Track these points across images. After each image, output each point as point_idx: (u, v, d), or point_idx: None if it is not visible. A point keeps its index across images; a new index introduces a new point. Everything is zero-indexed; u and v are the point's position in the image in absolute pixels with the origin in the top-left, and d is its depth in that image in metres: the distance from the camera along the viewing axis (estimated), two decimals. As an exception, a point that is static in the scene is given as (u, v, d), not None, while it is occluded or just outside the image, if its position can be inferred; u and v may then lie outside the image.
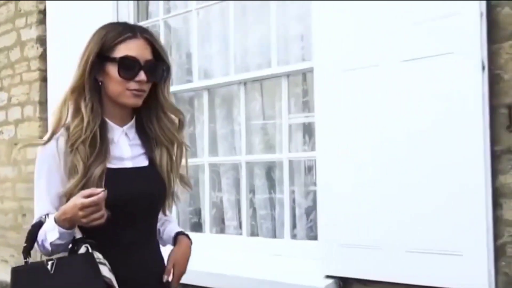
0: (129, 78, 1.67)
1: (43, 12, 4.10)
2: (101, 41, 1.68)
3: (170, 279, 1.79)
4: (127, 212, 1.67)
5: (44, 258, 1.61)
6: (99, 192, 1.50)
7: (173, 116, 1.81)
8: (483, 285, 2.12)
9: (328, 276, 2.58)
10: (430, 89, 2.23)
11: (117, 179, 1.67)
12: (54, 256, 1.60)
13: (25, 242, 1.62)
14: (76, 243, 1.61)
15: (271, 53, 3.01)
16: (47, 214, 1.62)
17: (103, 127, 1.71)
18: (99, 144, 1.66)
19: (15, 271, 1.60)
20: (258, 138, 3.19)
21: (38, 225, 1.62)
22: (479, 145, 2.12)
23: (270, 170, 3.17)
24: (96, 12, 3.59)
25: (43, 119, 4.08)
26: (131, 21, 3.60)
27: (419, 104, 2.27)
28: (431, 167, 2.23)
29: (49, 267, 1.56)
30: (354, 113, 2.47)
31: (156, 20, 3.58)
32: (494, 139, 2.13)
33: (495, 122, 2.13)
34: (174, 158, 1.81)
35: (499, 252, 2.13)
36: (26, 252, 1.61)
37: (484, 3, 2.13)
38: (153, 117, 1.78)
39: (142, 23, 3.61)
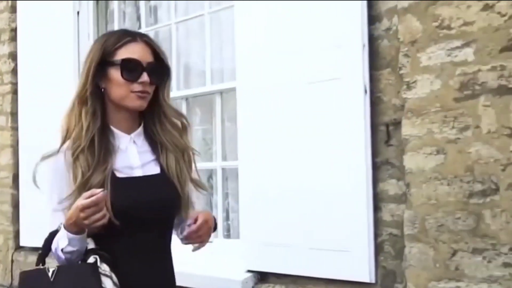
0: (133, 80, 1.65)
1: (14, 30, 4.45)
2: (101, 48, 1.68)
3: (195, 226, 1.70)
4: (138, 221, 1.65)
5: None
6: (98, 193, 1.53)
7: (176, 120, 1.79)
8: (365, 277, 2.47)
9: (248, 271, 2.92)
10: (324, 108, 2.58)
11: (126, 189, 1.65)
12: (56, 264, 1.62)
13: (41, 249, 1.66)
14: (88, 253, 1.61)
15: (206, 72, 3.38)
16: (63, 223, 1.62)
17: (107, 135, 1.69)
18: (97, 152, 1.64)
19: (22, 274, 1.66)
20: (198, 148, 3.53)
21: (54, 232, 1.64)
22: (361, 157, 2.46)
23: (210, 176, 3.52)
24: (59, 30, 3.98)
25: (14, 128, 4.43)
26: (91, 41, 3.97)
27: (317, 121, 2.61)
28: (325, 177, 2.58)
29: (49, 274, 1.58)
30: (269, 127, 2.82)
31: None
32: (374, 152, 2.47)
33: (376, 137, 2.47)
34: (181, 163, 1.77)
35: (378, 248, 2.47)
36: (40, 258, 1.64)
37: (366, 35, 2.47)
38: (156, 122, 1.75)
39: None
